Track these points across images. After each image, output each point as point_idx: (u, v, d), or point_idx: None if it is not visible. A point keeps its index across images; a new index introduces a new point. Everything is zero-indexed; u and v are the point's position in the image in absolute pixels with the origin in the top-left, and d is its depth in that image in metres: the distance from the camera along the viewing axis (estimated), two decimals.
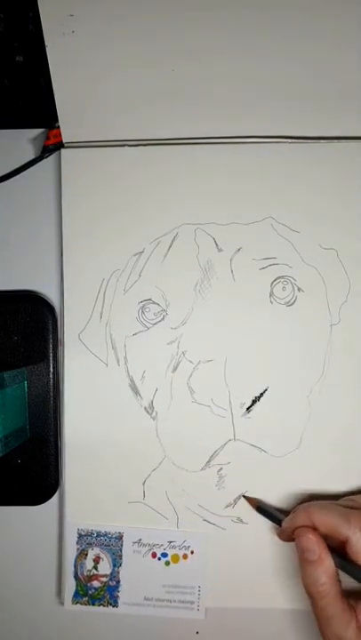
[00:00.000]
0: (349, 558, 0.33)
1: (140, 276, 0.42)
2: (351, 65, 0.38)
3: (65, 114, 0.41)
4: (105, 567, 0.42)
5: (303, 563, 0.35)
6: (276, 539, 0.41)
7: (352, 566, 0.33)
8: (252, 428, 0.41)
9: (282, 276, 0.41)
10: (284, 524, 0.37)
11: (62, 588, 0.43)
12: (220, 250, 0.41)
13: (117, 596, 0.42)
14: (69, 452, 0.42)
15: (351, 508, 0.36)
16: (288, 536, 0.37)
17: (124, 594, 0.42)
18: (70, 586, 0.43)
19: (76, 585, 0.42)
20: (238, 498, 0.42)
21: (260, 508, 0.40)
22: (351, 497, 0.39)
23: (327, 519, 0.34)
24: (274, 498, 0.41)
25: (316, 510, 0.35)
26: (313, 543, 0.34)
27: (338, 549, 0.34)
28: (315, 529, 0.35)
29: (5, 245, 0.43)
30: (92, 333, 0.42)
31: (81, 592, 0.42)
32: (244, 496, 0.41)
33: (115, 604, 0.42)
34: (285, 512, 0.40)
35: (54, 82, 0.39)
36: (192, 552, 0.42)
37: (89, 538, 0.42)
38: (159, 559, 0.42)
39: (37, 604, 0.44)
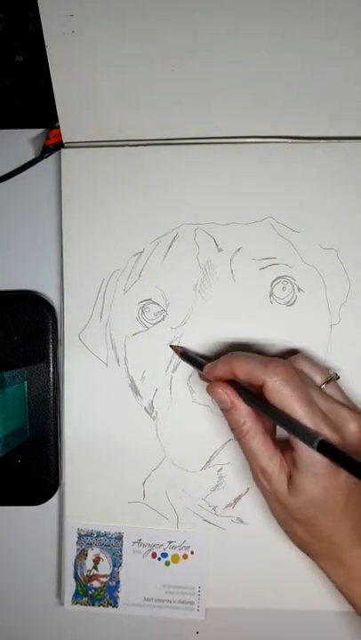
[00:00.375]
0: (265, 400, 0.35)
1: (140, 275, 0.42)
2: (351, 65, 0.39)
3: (65, 114, 0.41)
4: (105, 567, 0.42)
5: (223, 412, 0.37)
6: (277, 538, 0.41)
7: (266, 406, 0.34)
8: None
9: (282, 276, 0.41)
10: (206, 368, 0.38)
11: (62, 588, 0.43)
12: (220, 250, 0.41)
13: (117, 597, 0.42)
14: (69, 452, 0.42)
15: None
16: (207, 380, 0.38)
17: (123, 594, 0.42)
18: (70, 586, 0.43)
19: (76, 585, 0.42)
20: (238, 498, 0.42)
21: (185, 354, 0.40)
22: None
23: (246, 366, 0.35)
24: None
25: (236, 358, 0.36)
26: (222, 394, 0.36)
27: (258, 394, 0.35)
28: (234, 376, 0.36)
29: (5, 245, 0.43)
30: (92, 333, 0.42)
31: (81, 592, 0.42)
32: (170, 345, 0.41)
33: (115, 605, 0.42)
34: (210, 359, 0.39)
35: (54, 82, 0.39)
36: (192, 552, 0.42)
37: (89, 538, 0.42)
38: (159, 559, 0.42)
39: (37, 604, 0.44)
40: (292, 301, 0.41)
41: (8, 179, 0.43)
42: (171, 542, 0.42)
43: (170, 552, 0.42)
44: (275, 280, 0.41)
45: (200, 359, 0.39)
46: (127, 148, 0.42)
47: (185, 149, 0.42)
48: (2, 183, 0.43)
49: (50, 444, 0.42)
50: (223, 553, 0.42)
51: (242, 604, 0.42)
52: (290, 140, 0.41)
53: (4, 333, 0.42)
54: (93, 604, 0.42)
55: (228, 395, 0.36)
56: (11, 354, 0.42)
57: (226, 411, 0.36)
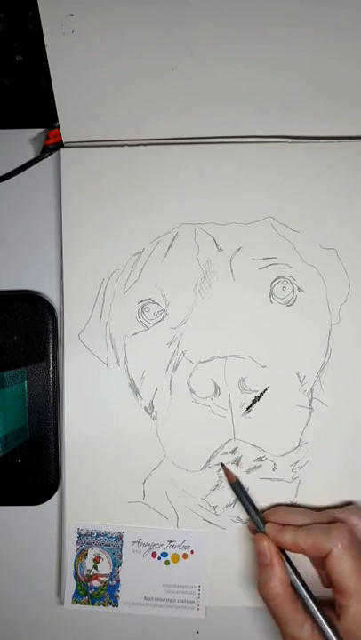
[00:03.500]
0: (328, 570, 0.36)
1: (140, 275, 0.42)
2: (351, 65, 0.39)
3: (65, 114, 0.41)
4: (105, 567, 0.42)
5: (258, 565, 0.38)
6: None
7: (299, 578, 0.37)
8: (252, 428, 0.41)
9: (282, 276, 0.41)
10: (270, 533, 0.39)
11: (62, 587, 0.43)
12: (219, 250, 0.41)
13: (117, 596, 0.42)
14: (69, 452, 0.42)
15: (331, 522, 0.38)
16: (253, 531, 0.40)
17: (124, 593, 0.42)
18: (70, 586, 0.43)
19: (76, 585, 0.43)
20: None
21: (237, 484, 0.41)
22: (330, 511, 0.39)
23: (308, 537, 0.36)
24: (274, 497, 0.41)
25: (298, 532, 0.37)
26: (265, 548, 0.38)
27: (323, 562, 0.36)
28: (299, 548, 0.37)
29: (5, 245, 0.43)
30: (92, 333, 0.42)
31: (81, 592, 0.42)
32: (222, 464, 0.41)
33: (115, 604, 0.42)
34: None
35: (54, 82, 0.39)
36: (192, 552, 0.42)
37: (89, 538, 0.42)
38: (159, 559, 0.42)
39: (37, 603, 0.44)
40: (292, 301, 0.41)
41: (8, 178, 0.43)
42: (171, 542, 0.42)
43: (170, 551, 0.42)
44: (275, 280, 0.41)
45: (252, 506, 0.40)
46: (127, 147, 0.42)
47: (185, 149, 0.42)
48: (2, 183, 0.43)
49: (50, 444, 0.42)
50: (223, 553, 0.42)
51: (242, 603, 0.42)
52: (290, 140, 0.41)
53: (4, 333, 0.42)
54: (93, 604, 0.42)
55: (271, 552, 0.37)
56: (11, 354, 0.42)
57: (261, 565, 0.38)
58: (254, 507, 0.40)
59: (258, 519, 0.40)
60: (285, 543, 0.37)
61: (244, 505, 0.41)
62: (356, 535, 0.36)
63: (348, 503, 0.41)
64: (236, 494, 0.41)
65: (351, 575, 0.34)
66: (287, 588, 0.37)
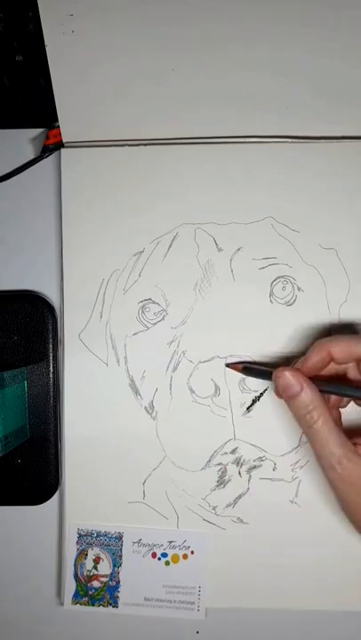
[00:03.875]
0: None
1: (140, 275, 0.42)
2: (352, 65, 0.39)
3: (65, 114, 0.41)
4: (105, 567, 0.42)
5: (289, 401, 0.35)
6: (277, 538, 0.41)
7: (343, 386, 0.35)
8: (252, 428, 0.41)
9: (282, 276, 0.41)
10: (297, 364, 0.37)
11: (62, 588, 0.43)
12: (220, 250, 0.41)
13: (117, 597, 0.42)
14: (69, 452, 0.42)
15: None
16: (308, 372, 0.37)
17: (124, 594, 0.42)
18: (70, 586, 0.43)
19: (76, 585, 0.42)
20: (238, 498, 0.42)
21: (247, 368, 0.39)
22: None
23: (343, 343, 0.35)
24: (274, 497, 0.41)
25: (332, 340, 0.35)
26: (290, 378, 0.35)
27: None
28: (332, 358, 0.35)
29: (5, 245, 0.43)
30: (92, 333, 0.42)
31: (81, 592, 0.42)
32: (226, 364, 0.40)
33: (115, 605, 0.42)
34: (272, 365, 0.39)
35: (54, 82, 0.39)
36: (192, 552, 0.42)
37: (89, 538, 0.42)
38: (159, 559, 0.42)
39: (37, 604, 0.44)
40: (292, 301, 0.41)
41: (8, 178, 0.43)
42: (171, 542, 0.42)
43: (170, 552, 0.42)
44: (275, 280, 0.41)
45: (265, 368, 0.38)
46: (127, 147, 0.42)
47: (185, 149, 0.42)
48: (2, 183, 0.43)
49: (50, 444, 0.42)
50: (223, 553, 0.42)
51: (242, 603, 0.42)
52: (290, 140, 0.41)
53: (4, 333, 0.42)
54: (93, 604, 0.42)
55: (298, 378, 0.35)
56: (11, 354, 0.42)
57: (292, 398, 0.35)
58: (269, 369, 0.37)
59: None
60: (315, 357, 0.35)
61: (264, 377, 0.38)
62: None
63: None
64: (252, 375, 0.39)
65: None
66: (325, 410, 0.34)
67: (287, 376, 0.35)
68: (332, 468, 0.34)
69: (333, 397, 0.38)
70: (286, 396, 0.35)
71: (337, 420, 0.38)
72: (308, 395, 0.35)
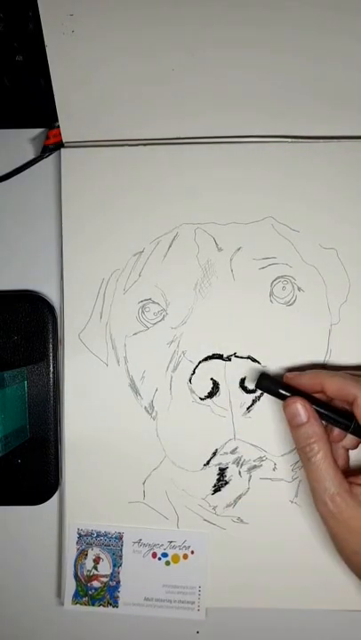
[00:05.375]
0: (356, 419, 0.35)
1: (140, 275, 0.42)
2: (352, 65, 0.39)
3: (65, 114, 0.41)
4: (105, 567, 0.42)
5: (293, 429, 0.37)
6: (277, 538, 0.41)
7: (337, 415, 0.36)
8: (253, 428, 0.41)
9: (282, 276, 0.41)
10: (290, 374, 0.38)
11: (62, 588, 0.43)
12: (220, 249, 0.41)
13: (117, 597, 0.42)
14: (69, 451, 0.42)
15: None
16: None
17: (124, 594, 0.42)
18: (70, 586, 0.43)
19: (76, 585, 0.42)
20: (238, 498, 0.42)
21: (264, 380, 0.39)
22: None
23: (336, 380, 0.36)
24: (274, 497, 0.41)
25: (325, 373, 0.36)
26: (300, 407, 0.36)
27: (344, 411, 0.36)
28: (321, 389, 0.36)
29: (5, 245, 0.43)
30: (92, 333, 0.42)
31: (81, 592, 0.42)
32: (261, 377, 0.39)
33: (115, 605, 0.42)
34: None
35: (54, 82, 0.39)
36: (192, 552, 0.42)
37: (89, 538, 0.42)
38: (159, 559, 0.42)
39: (37, 604, 0.44)
40: (292, 301, 0.41)
41: (8, 178, 0.43)
42: (171, 542, 0.42)
43: (170, 552, 0.42)
44: (275, 280, 0.41)
45: (282, 391, 0.38)
46: (127, 147, 0.42)
47: (185, 149, 0.42)
48: (2, 183, 0.43)
49: (50, 444, 0.42)
50: (223, 553, 0.42)
51: (242, 603, 0.42)
52: (290, 140, 0.41)
53: (4, 333, 0.42)
54: (93, 604, 0.42)
55: (307, 409, 0.36)
56: (11, 354, 0.42)
57: (297, 427, 0.36)
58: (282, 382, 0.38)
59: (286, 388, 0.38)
60: (307, 381, 0.36)
61: (276, 395, 0.38)
62: None
63: None
64: (265, 390, 0.39)
65: None
66: (326, 444, 0.35)
67: (297, 407, 0.36)
68: (324, 503, 0.35)
69: (336, 432, 0.38)
70: (292, 425, 0.37)
71: (340, 457, 0.38)
72: (312, 427, 0.36)
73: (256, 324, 0.41)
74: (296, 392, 0.37)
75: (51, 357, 0.42)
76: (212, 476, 0.42)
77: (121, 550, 0.42)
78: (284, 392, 0.37)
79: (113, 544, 0.42)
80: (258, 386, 0.38)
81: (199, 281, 0.41)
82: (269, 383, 0.38)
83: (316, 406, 0.36)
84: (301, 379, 0.37)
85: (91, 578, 0.42)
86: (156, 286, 0.42)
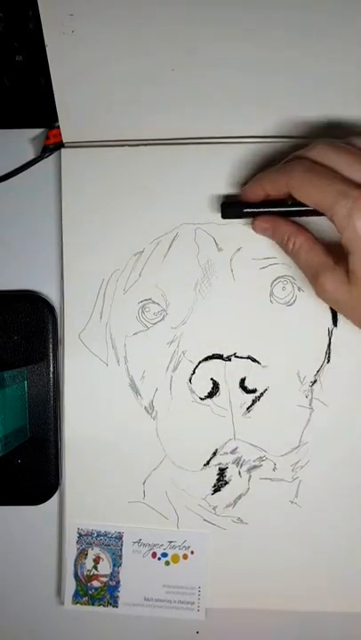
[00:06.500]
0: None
1: (140, 275, 0.42)
2: (352, 65, 0.39)
3: (65, 114, 0.41)
4: (105, 567, 0.42)
5: (272, 239, 0.39)
6: (277, 538, 0.41)
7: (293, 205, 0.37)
8: (253, 428, 0.41)
9: (282, 276, 0.41)
10: (246, 196, 0.38)
11: (62, 587, 0.43)
12: (219, 249, 0.41)
13: (117, 597, 0.42)
14: (69, 451, 0.42)
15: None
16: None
17: (124, 594, 0.42)
18: (70, 586, 0.43)
19: (76, 585, 0.42)
20: (238, 498, 0.42)
21: (226, 204, 0.40)
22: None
23: (270, 178, 0.36)
24: (274, 497, 0.41)
25: (262, 176, 0.37)
26: (263, 223, 0.38)
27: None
28: (267, 195, 0.37)
29: (5, 245, 0.43)
30: (92, 333, 0.42)
31: (81, 592, 0.42)
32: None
33: (115, 605, 0.42)
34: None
35: (54, 82, 0.39)
36: (192, 552, 0.42)
37: (89, 538, 0.42)
38: (159, 559, 0.42)
39: (37, 604, 0.44)
40: (292, 301, 0.41)
41: (8, 179, 0.43)
42: (171, 542, 0.42)
43: (170, 552, 0.42)
44: (275, 280, 0.41)
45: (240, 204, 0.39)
46: (127, 147, 0.42)
47: (185, 149, 0.42)
48: (2, 183, 0.43)
49: (50, 444, 0.42)
50: (223, 553, 0.42)
51: (242, 604, 0.42)
52: (290, 140, 0.41)
53: (4, 333, 0.42)
54: (93, 604, 0.42)
55: (267, 220, 0.38)
56: (11, 354, 0.42)
57: (272, 237, 0.38)
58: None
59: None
60: (255, 191, 0.37)
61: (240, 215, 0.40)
62: (307, 163, 0.34)
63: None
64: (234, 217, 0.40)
65: (307, 187, 0.33)
66: (301, 233, 0.36)
67: (258, 224, 0.38)
68: (321, 289, 0.36)
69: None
70: (268, 236, 0.39)
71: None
72: (279, 228, 0.37)
73: (256, 324, 0.41)
74: (260, 204, 0.38)
75: (51, 357, 0.42)
76: (212, 475, 0.42)
77: (121, 550, 0.42)
78: (248, 210, 0.39)
79: (113, 544, 0.42)
80: (224, 216, 0.40)
81: (199, 281, 0.41)
82: (233, 209, 0.39)
83: (277, 208, 0.38)
84: (250, 191, 0.37)
85: (91, 578, 0.42)
86: (156, 286, 0.42)
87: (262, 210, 0.38)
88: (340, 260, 0.34)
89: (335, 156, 0.33)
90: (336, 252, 0.35)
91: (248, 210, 0.39)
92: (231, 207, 0.39)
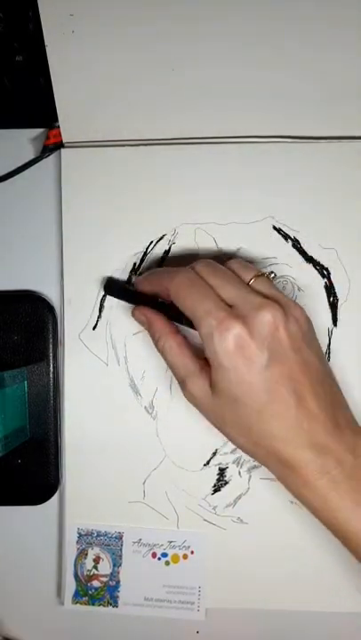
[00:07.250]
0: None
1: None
2: (352, 65, 0.39)
3: (65, 114, 0.41)
4: (105, 567, 0.42)
5: (147, 331, 0.39)
6: (277, 538, 0.41)
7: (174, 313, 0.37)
8: None
9: (282, 276, 0.41)
10: (135, 282, 0.40)
11: (62, 587, 0.43)
12: (220, 249, 0.41)
13: (117, 596, 0.42)
14: (69, 452, 0.42)
15: None
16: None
17: (124, 594, 0.42)
18: (70, 586, 0.43)
19: (76, 585, 0.42)
20: (238, 498, 0.42)
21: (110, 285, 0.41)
22: None
23: (157, 279, 0.38)
24: (274, 497, 0.41)
25: (151, 275, 0.39)
26: (140, 315, 0.39)
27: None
28: (156, 293, 0.38)
29: (5, 245, 0.43)
30: (93, 333, 0.42)
31: (81, 592, 0.42)
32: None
33: (115, 604, 0.42)
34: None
35: (54, 82, 0.39)
36: (192, 552, 0.42)
37: (89, 538, 0.42)
38: (159, 559, 0.42)
39: (37, 603, 0.44)
40: None
41: (8, 179, 0.43)
42: (171, 542, 0.42)
43: (170, 552, 0.42)
44: (275, 280, 0.41)
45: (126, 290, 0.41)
46: (127, 147, 0.42)
47: (185, 149, 0.42)
48: (2, 183, 0.43)
49: (50, 444, 0.42)
50: (223, 553, 0.42)
51: (242, 604, 0.42)
52: (290, 140, 0.41)
53: (4, 333, 0.42)
54: (93, 604, 0.42)
55: (145, 314, 0.38)
56: (11, 354, 0.42)
57: (147, 330, 0.39)
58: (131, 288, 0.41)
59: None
60: (141, 284, 0.39)
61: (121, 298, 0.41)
62: (192, 276, 0.35)
63: None
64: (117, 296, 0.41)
65: (185, 300, 0.35)
66: (172, 335, 0.37)
67: (138, 315, 0.39)
68: (187, 393, 0.37)
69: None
70: (143, 327, 0.40)
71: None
72: (153, 327, 0.38)
73: None
74: (144, 296, 0.39)
75: (51, 357, 0.42)
76: (212, 475, 0.42)
77: (121, 550, 0.42)
78: (126, 297, 0.40)
79: (113, 544, 0.42)
80: (107, 292, 0.41)
81: None
82: (116, 291, 0.41)
83: (159, 309, 0.38)
84: (140, 283, 0.39)
85: (91, 577, 0.42)
86: None
87: (138, 301, 0.40)
88: (208, 365, 0.35)
89: (212, 275, 0.35)
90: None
91: (126, 297, 0.40)
92: (115, 286, 0.41)
